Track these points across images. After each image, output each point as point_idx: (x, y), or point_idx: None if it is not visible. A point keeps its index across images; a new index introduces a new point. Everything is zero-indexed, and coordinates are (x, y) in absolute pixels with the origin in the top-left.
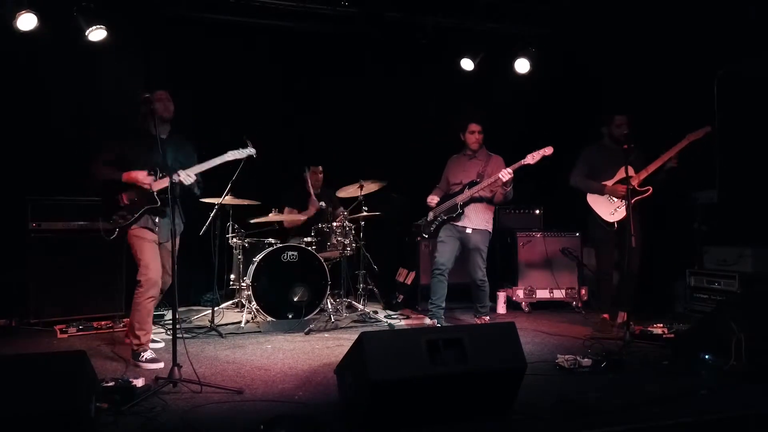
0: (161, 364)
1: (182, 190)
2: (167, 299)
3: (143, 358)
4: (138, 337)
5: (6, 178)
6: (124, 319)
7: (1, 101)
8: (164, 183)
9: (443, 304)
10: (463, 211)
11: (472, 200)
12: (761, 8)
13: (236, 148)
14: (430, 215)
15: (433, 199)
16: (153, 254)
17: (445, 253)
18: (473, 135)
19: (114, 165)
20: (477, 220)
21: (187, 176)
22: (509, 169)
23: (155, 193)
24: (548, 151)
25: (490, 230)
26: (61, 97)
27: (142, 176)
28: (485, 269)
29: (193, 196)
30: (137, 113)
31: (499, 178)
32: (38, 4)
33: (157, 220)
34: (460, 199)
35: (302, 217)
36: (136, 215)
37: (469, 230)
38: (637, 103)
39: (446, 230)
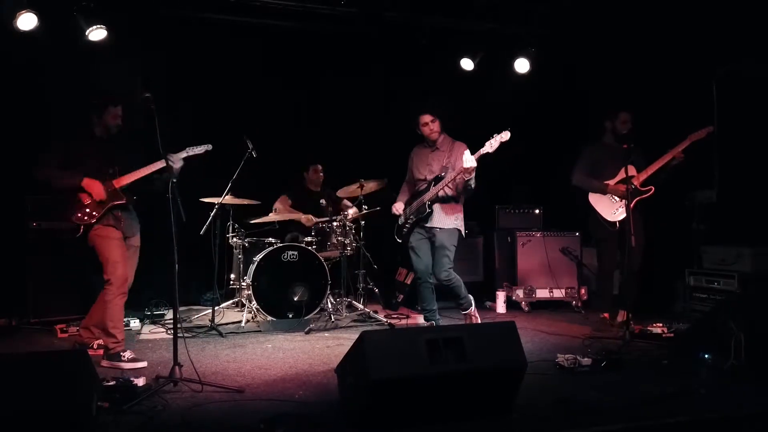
0: (144, 363)
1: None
2: (168, 299)
3: (124, 358)
4: (114, 336)
5: (5, 177)
6: None
7: (1, 101)
8: (127, 179)
9: (435, 306)
10: (431, 210)
11: (439, 197)
12: (761, 8)
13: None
14: (401, 218)
15: (398, 208)
16: (120, 251)
17: (421, 261)
18: (426, 127)
19: (61, 166)
20: (445, 218)
21: (179, 159)
22: (474, 156)
23: (119, 190)
24: (505, 136)
25: (460, 228)
26: (60, 97)
27: (97, 189)
28: (450, 268)
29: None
30: (91, 117)
31: (461, 166)
32: (38, 3)
33: (119, 215)
34: (427, 198)
35: (293, 215)
36: (102, 212)
37: (437, 229)
38: (637, 102)
39: (416, 234)
